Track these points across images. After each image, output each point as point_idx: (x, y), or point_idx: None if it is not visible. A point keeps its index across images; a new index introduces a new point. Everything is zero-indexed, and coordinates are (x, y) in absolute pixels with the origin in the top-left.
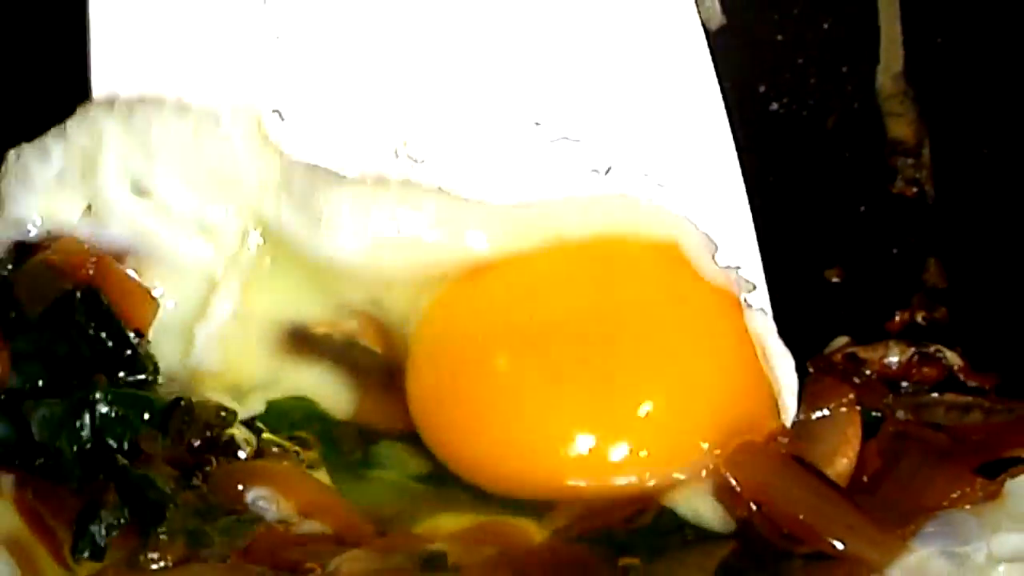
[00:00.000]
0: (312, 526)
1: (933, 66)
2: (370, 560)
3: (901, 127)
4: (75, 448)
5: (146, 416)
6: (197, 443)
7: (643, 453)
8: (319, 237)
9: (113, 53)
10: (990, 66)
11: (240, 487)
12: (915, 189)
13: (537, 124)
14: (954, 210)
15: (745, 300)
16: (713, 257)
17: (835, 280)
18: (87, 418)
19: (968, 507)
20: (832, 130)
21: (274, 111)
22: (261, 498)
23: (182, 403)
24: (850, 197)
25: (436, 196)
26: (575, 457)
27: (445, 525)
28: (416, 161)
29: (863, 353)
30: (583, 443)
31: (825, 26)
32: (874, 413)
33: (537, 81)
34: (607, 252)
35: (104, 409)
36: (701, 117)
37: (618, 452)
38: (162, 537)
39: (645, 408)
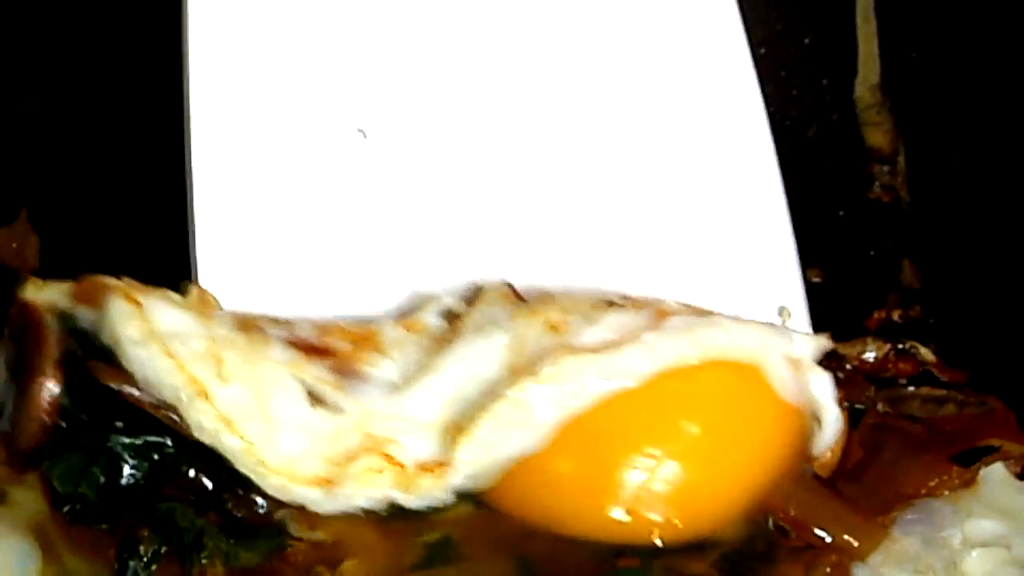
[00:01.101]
0: (321, 537)
1: (908, 79)
2: (376, 557)
3: (878, 136)
4: (97, 493)
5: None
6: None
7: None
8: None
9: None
10: (963, 79)
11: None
12: (891, 195)
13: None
14: (928, 215)
15: (808, 364)
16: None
17: (816, 280)
18: (103, 462)
19: (944, 494)
20: (813, 139)
21: None
22: (284, 514)
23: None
24: (830, 202)
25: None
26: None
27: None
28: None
29: (842, 349)
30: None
31: (806, 41)
32: (857, 406)
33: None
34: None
35: (128, 457)
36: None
37: (694, 518)
38: (204, 562)
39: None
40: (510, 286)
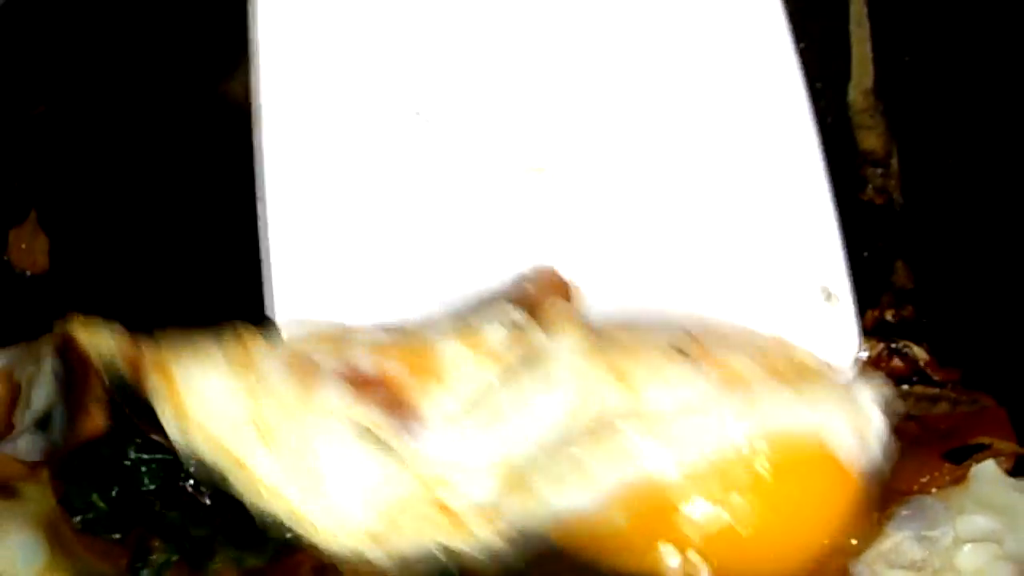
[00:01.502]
0: None
1: (901, 83)
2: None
3: (871, 139)
4: (108, 502)
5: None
6: None
7: None
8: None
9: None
10: (954, 83)
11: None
12: (884, 197)
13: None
14: (920, 216)
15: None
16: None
17: None
18: (119, 477)
19: (936, 491)
20: None
21: None
22: None
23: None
24: None
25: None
26: None
27: None
28: None
29: None
30: None
31: (801, 46)
32: None
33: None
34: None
35: (131, 472)
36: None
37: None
38: (216, 567)
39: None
40: (563, 285)
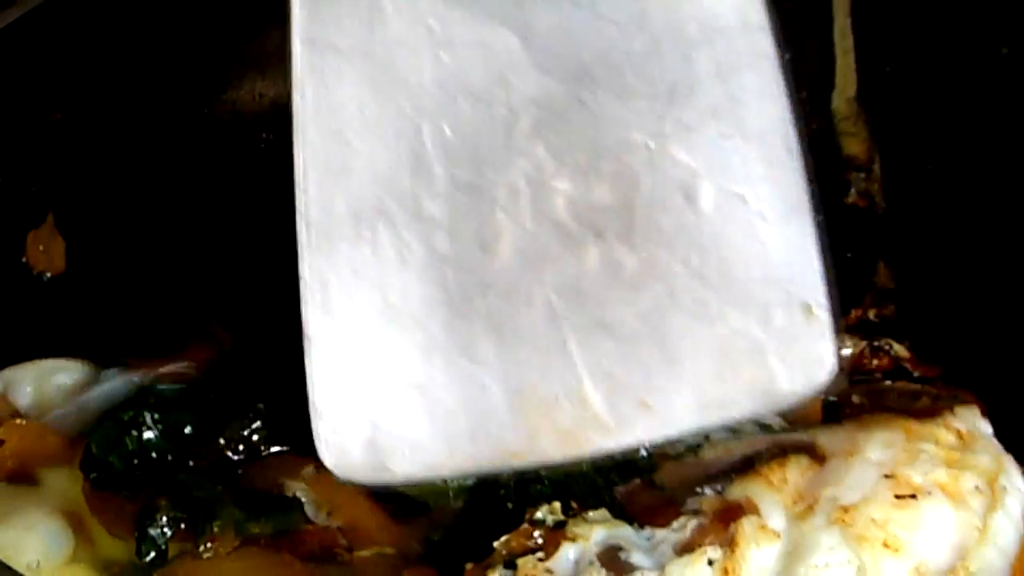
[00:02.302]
0: (335, 523)
1: (883, 92)
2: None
3: (854, 145)
4: (124, 462)
5: (188, 430)
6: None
7: None
8: None
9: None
10: (933, 92)
11: (281, 480)
12: (867, 201)
13: None
14: (901, 219)
15: None
16: None
17: None
18: (135, 434)
19: None
20: None
21: None
22: (300, 490)
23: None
24: None
25: None
26: None
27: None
28: None
29: None
30: None
31: (787, 56)
32: (831, 399)
33: None
34: None
35: (149, 435)
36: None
37: None
38: (216, 530)
39: None
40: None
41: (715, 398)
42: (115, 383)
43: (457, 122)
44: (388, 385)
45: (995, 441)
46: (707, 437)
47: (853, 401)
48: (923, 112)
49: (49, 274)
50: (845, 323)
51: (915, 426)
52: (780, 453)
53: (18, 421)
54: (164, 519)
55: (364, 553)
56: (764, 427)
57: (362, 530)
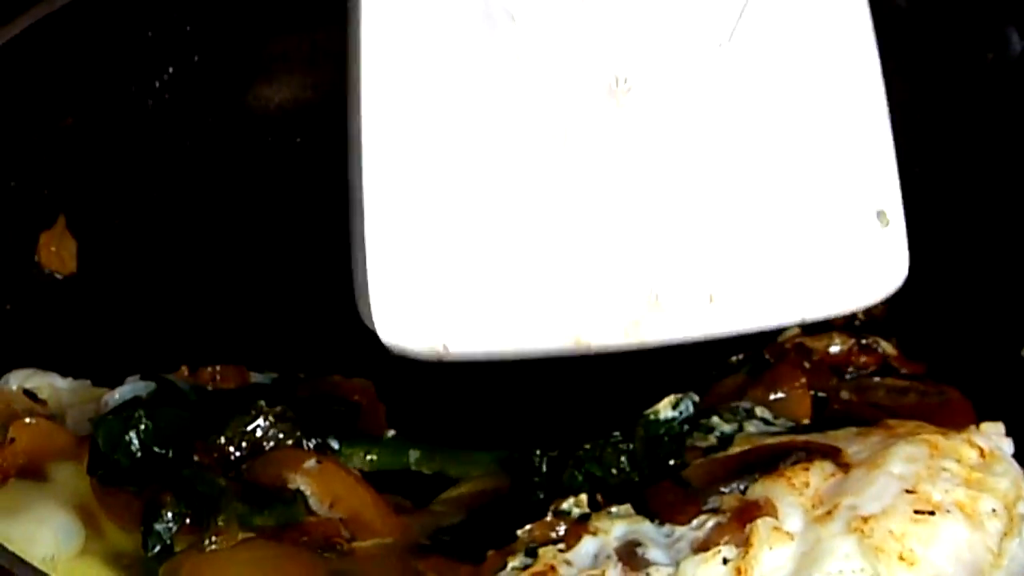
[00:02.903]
0: (337, 514)
1: None
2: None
3: None
4: (129, 459)
5: (190, 427)
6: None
7: None
8: None
9: None
10: (922, 97)
11: (283, 474)
12: None
13: None
14: None
15: None
16: None
17: None
18: (139, 432)
19: None
20: None
21: None
22: (302, 483)
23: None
24: None
25: None
26: None
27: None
28: None
29: (810, 343)
30: None
31: None
32: (820, 394)
33: None
34: None
35: (152, 432)
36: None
37: None
38: (220, 524)
39: None
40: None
41: (785, 297)
42: (135, 386)
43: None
44: (453, 251)
45: (1015, 464)
46: (740, 428)
47: (842, 397)
48: (911, 116)
49: (60, 274)
50: (835, 322)
51: (941, 441)
52: (806, 457)
53: (28, 420)
54: (169, 514)
55: (364, 543)
56: (793, 428)
57: (363, 521)
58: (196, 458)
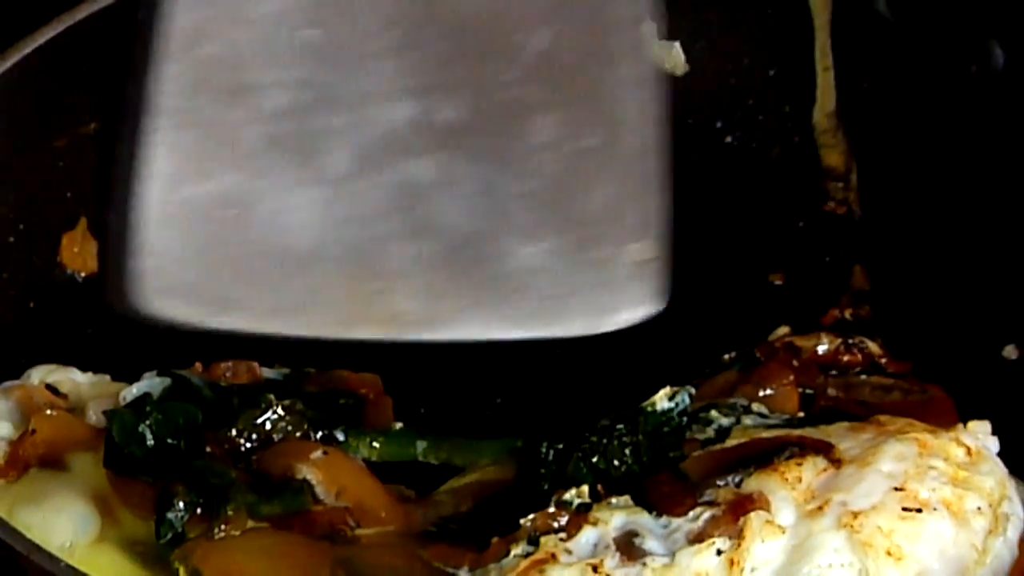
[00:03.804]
0: (343, 503)
1: (860, 107)
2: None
3: (833, 157)
4: (143, 450)
5: (201, 420)
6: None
7: None
8: None
9: None
10: (907, 107)
11: (291, 464)
12: (844, 208)
13: None
14: (877, 226)
15: None
16: None
17: (778, 283)
18: (145, 427)
19: None
20: (776, 159)
21: None
22: (309, 473)
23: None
24: (790, 214)
25: None
26: None
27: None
28: None
29: (799, 342)
30: None
31: (771, 73)
32: (808, 391)
33: None
34: None
35: (164, 425)
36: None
37: None
38: (230, 513)
39: None
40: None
41: (536, 314)
42: (151, 381)
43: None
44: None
45: (1000, 464)
46: (738, 422)
47: (829, 394)
48: (897, 126)
49: (83, 274)
50: (824, 322)
51: (929, 440)
52: (799, 452)
53: (48, 412)
54: (181, 503)
55: (370, 531)
56: (788, 422)
57: (369, 509)
58: (208, 450)
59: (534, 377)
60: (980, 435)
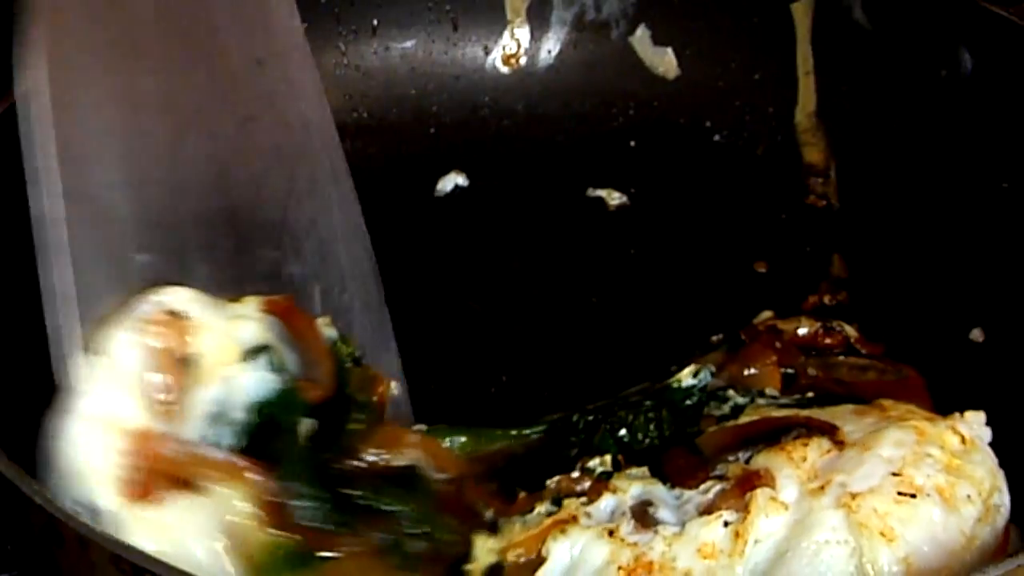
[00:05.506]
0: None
1: (839, 107)
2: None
3: (814, 154)
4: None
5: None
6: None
7: None
8: None
9: None
10: (883, 108)
11: (397, 450)
12: (824, 201)
13: None
14: (854, 218)
15: None
16: None
17: (762, 270)
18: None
19: None
20: (761, 156)
21: None
22: (418, 458)
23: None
24: (774, 207)
25: None
26: None
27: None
28: None
29: (781, 325)
30: None
31: (756, 77)
32: (789, 370)
33: None
34: None
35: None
36: None
37: None
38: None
39: None
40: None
41: None
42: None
43: None
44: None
45: (991, 453)
46: (752, 400)
47: (809, 373)
48: (873, 126)
49: None
50: (804, 308)
51: (928, 428)
52: (806, 432)
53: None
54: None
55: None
56: (798, 402)
57: (447, 468)
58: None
59: (535, 358)
60: (975, 425)
